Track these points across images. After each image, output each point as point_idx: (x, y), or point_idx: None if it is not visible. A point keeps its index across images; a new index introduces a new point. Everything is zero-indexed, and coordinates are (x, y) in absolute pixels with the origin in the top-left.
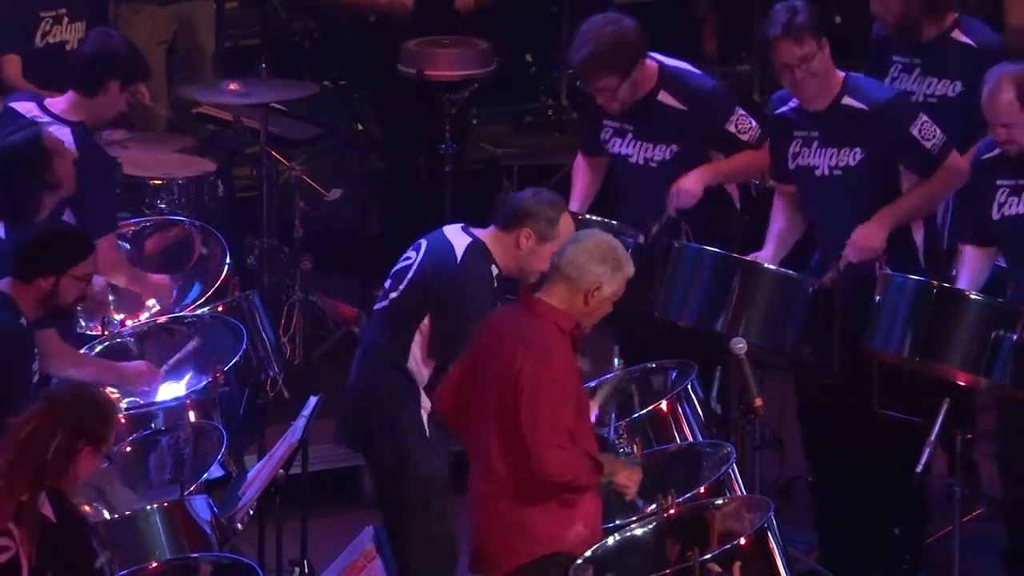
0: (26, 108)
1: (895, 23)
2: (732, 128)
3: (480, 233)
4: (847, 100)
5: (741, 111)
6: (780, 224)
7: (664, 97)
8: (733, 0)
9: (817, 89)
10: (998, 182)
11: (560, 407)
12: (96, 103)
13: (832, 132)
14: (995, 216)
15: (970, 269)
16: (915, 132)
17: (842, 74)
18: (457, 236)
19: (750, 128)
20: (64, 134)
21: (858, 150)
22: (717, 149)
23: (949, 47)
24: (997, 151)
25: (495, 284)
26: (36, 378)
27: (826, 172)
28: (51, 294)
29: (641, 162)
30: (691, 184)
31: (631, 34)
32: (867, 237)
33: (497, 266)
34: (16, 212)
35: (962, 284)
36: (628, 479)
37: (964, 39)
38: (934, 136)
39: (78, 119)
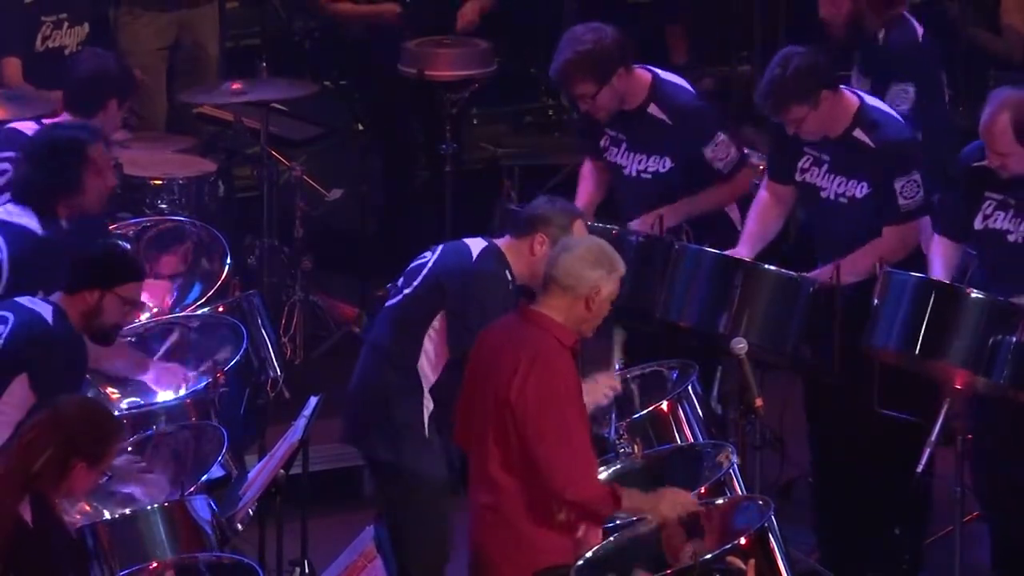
0: (26, 126)
1: (845, 23)
2: (708, 153)
3: (497, 241)
4: (858, 133)
5: (722, 137)
6: (755, 227)
7: (653, 110)
8: (734, 1)
9: (818, 133)
10: (986, 193)
11: (570, 426)
12: (95, 123)
13: (842, 161)
14: (978, 225)
15: (944, 259)
16: (897, 185)
17: (856, 104)
18: (474, 241)
19: (727, 157)
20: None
21: (864, 184)
22: (698, 172)
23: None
24: (987, 162)
25: (511, 287)
26: None
27: (832, 196)
28: (94, 309)
29: (634, 174)
30: (643, 226)
31: (609, 43)
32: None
33: (511, 273)
34: (37, 201)
35: (936, 272)
36: (671, 509)
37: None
38: (913, 196)
39: None
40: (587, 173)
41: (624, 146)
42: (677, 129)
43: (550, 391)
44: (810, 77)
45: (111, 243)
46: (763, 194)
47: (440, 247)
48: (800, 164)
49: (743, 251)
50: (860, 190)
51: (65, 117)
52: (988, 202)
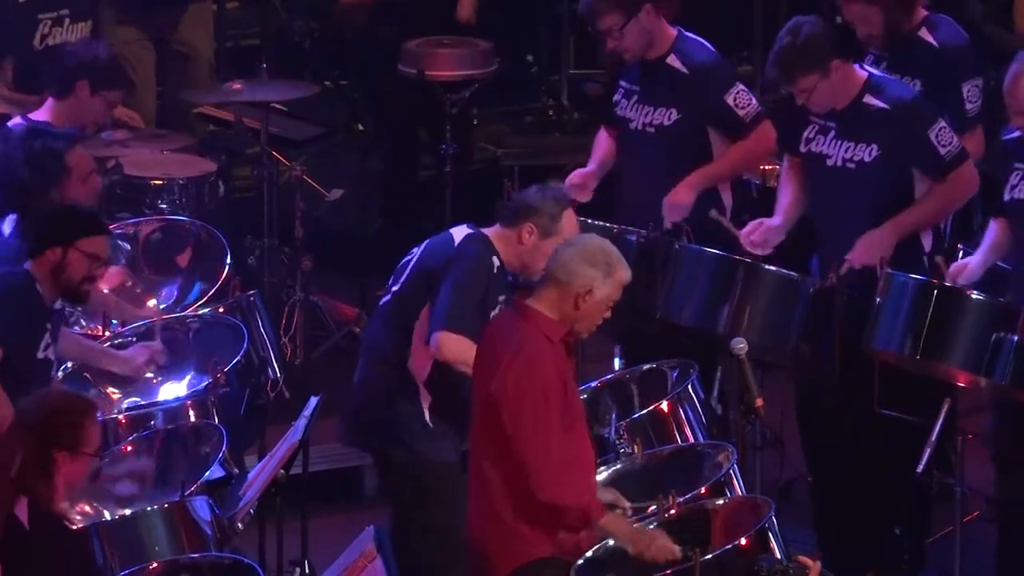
0: (13, 122)
1: (884, 39)
2: (730, 101)
3: (484, 230)
4: (868, 99)
5: (742, 87)
6: (790, 195)
7: (672, 60)
8: (734, 0)
9: (828, 104)
10: (1016, 164)
11: (547, 427)
12: (67, 105)
13: (850, 127)
14: (1006, 197)
15: (989, 243)
16: (932, 136)
17: (864, 75)
18: (459, 230)
19: (748, 104)
20: (18, 127)
21: (875, 147)
22: (714, 123)
23: (913, 45)
24: (1019, 133)
25: (495, 271)
26: (51, 363)
27: (838, 163)
28: (59, 266)
29: (639, 127)
30: (680, 197)
31: None
32: (874, 244)
33: (499, 259)
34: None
35: (979, 252)
36: (646, 547)
37: (928, 38)
38: (950, 143)
39: (46, 119)
40: (601, 138)
41: (635, 98)
42: (694, 78)
43: (529, 385)
44: (821, 45)
45: (69, 203)
46: (786, 169)
47: (426, 242)
48: (805, 134)
49: (776, 219)
50: (869, 153)
51: (48, 103)
52: (1016, 172)
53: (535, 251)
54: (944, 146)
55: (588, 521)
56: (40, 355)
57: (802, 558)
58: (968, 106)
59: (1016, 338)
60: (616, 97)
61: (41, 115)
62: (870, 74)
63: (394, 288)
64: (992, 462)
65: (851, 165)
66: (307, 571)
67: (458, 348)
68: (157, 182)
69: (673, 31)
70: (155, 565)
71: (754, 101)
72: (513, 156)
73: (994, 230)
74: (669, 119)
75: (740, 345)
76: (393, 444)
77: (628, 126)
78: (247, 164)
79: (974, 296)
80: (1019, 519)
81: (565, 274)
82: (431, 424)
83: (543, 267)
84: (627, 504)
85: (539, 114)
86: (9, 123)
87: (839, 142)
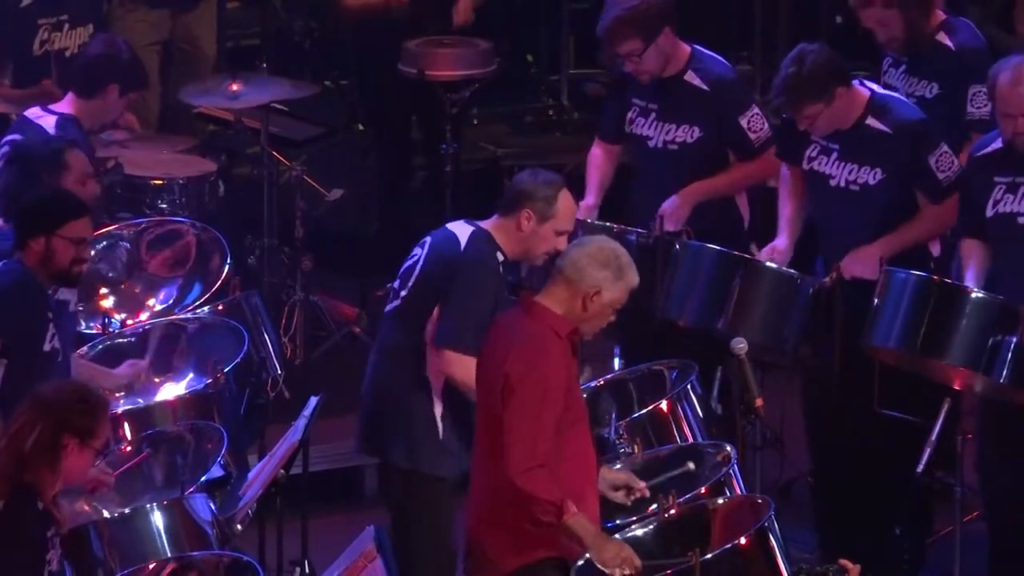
0: (32, 113)
1: (906, 42)
2: (744, 123)
3: (483, 223)
4: (871, 121)
5: (757, 110)
6: (791, 208)
7: (691, 77)
8: (733, 0)
9: (832, 128)
10: (996, 179)
11: (540, 417)
12: (93, 105)
13: (853, 150)
14: (989, 213)
15: (975, 260)
16: (931, 162)
17: (867, 94)
18: (460, 228)
19: (761, 129)
20: (48, 123)
21: (879, 170)
22: (728, 143)
23: (931, 49)
24: (994, 147)
25: (501, 270)
26: (57, 352)
27: (842, 184)
28: (45, 256)
29: (660, 145)
30: (674, 208)
31: (657, 1)
32: (863, 260)
33: (503, 253)
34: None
35: (970, 276)
36: (614, 559)
37: (945, 41)
38: (949, 167)
39: (70, 112)
40: (595, 158)
41: (653, 116)
42: (714, 96)
43: (531, 377)
44: (825, 75)
45: (45, 189)
46: (785, 177)
47: (427, 240)
48: (808, 152)
49: (782, 240)
50: (874, 176)
51: (69, 98)
52: (998, 187)
53: (534, 236)
54: (943, 171)
55: (560, 518)
56: (47, 347)
57: (843, 561)
58: (970, 108)
59: (1016, 338)
60: (630, 115)
61: (63, 107)
62: (872, 93)
63: (402, 292)
64: (976, 462)
65: (855, 187)
66: (307, 571)
67: (465, 371)
68: (157, 182)
69: (687, 48)
70: (155, 565)
71: (766, 126)
72: (513, 156)
73: (971, 249)
74: (692, 136)
75: (740, 345)
76: (400, 449)
77: (647, 144)
78: (247, 164)
79: (974, 294)
80: (1007, 517)
81: (575, 272)
82: (442, 436)
83: (544, 252)
84: (641, 485)
85: (539, 114)
86: (27, 112)
87: (842, 164)
